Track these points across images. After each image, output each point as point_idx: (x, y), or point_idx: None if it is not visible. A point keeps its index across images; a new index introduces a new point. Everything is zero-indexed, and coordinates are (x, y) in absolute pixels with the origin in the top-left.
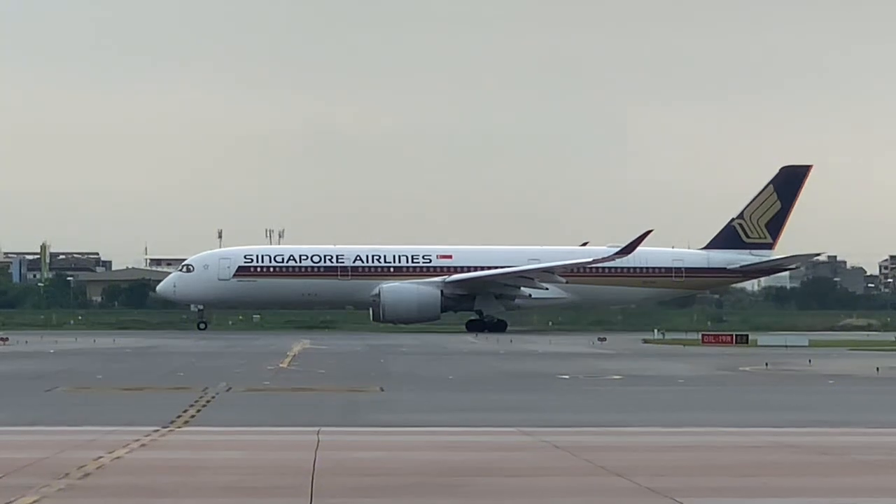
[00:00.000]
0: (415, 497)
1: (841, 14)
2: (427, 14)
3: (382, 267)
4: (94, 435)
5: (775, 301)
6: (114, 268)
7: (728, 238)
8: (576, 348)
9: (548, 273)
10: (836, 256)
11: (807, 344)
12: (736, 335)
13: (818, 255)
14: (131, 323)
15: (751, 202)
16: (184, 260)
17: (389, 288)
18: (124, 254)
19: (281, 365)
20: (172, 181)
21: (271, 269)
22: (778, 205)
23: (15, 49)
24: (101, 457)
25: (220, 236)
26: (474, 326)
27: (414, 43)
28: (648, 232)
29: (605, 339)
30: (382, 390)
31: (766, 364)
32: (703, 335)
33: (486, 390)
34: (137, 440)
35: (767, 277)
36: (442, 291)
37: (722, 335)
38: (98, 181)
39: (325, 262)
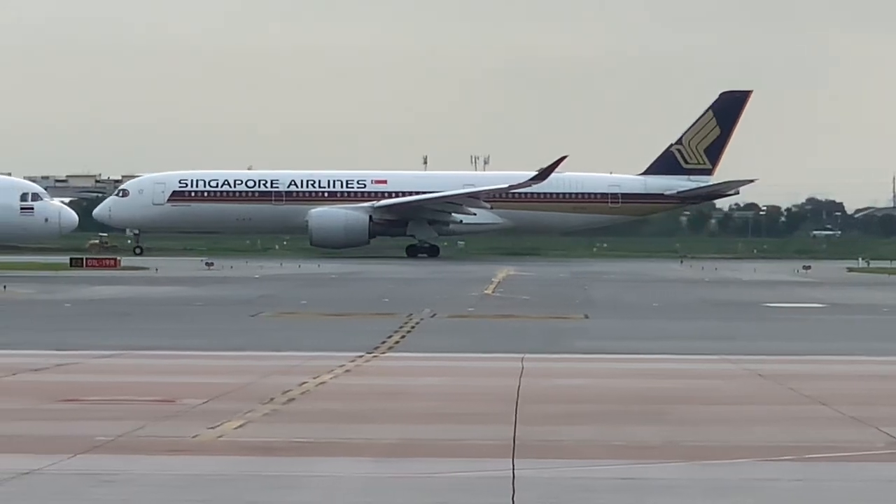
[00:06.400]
0: (618, 425)
1: None
2: None
3: (316, 192)
4: (299, 360)
5: None
6: None
7: (666, 163)
8: (780, 276)
9: (474, 199)
10: None
11: None
12: None
13: (753, 180)
14: None
15: (690, 127)
16: None
17: (317, 213)
18: None
19: (485, 292)
20: (379, 109)
21: (205, 194)
22: (717, 130)
23: None
24: (305, 382)
25: (425, 162)
26: (412, 251)
27: None
28: (563, 158)
29: (809, 268)
30: (587, 317)
31: None
32: None
33: (690, 318)
34: (342, 366)
35: None
36: (371, 217)
37: None
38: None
39: (259, 187)
